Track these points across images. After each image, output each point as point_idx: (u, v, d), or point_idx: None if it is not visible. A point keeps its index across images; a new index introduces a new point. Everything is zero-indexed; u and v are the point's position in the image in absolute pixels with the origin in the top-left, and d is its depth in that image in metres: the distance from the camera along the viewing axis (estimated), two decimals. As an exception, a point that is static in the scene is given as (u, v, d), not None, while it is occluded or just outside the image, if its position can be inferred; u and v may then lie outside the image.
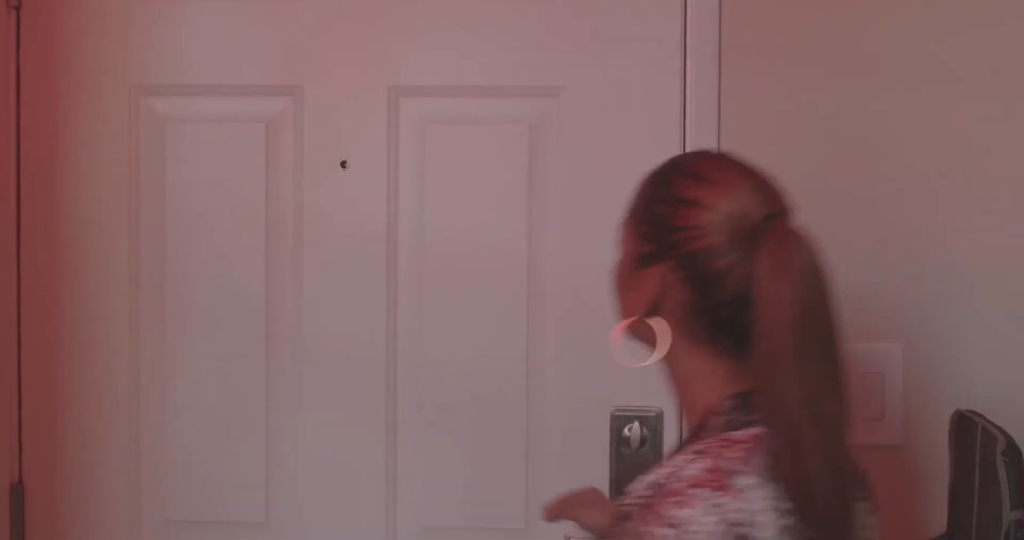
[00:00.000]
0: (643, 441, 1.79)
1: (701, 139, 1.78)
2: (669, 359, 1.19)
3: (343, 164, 1.82)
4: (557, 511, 1.49)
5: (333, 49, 1.81)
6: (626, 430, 1.79)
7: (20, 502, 1.83)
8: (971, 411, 1.72)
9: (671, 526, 1.04)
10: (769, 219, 1.12)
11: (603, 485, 1.81)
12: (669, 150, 1.79)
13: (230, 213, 1.83)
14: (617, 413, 1.80)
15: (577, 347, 1.81)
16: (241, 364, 1.83)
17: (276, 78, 1.82)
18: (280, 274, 1.82)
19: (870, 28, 1.78)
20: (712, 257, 1.11)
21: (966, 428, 1.68)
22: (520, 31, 1.81)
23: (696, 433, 1.15)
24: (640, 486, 1.12)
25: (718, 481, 1.05)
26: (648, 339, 1.19)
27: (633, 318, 1.19)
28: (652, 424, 1.80)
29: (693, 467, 1.08)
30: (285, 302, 1.82)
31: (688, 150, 1.78)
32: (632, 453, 1.79)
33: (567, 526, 1.52)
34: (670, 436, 1.80)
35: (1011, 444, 1.55)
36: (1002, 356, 1.77)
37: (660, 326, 1.17)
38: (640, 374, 1.79)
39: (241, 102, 1.83)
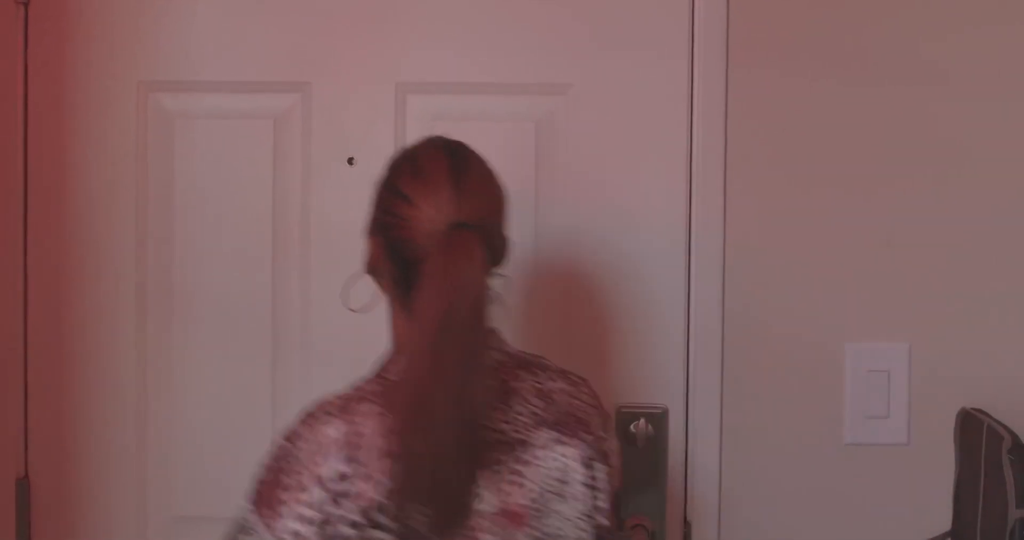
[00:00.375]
0: (649, 438, 1.79)
1: (708, 136, 1.78)
2: (390, 311, 1.37)
3: (350, 161, 1.82)
4: None
5: (341, 46, 1.82)
6: (632, 427, 1.80)
7: (26, 496, 1.84)
8: (977, 409, 1.72)
9: (288, 439, 1.27)
10: (455, 228, 1.26)
11: (608, 482, 1.81)
12: (676, 146, 1.80)
13: (238, 209, 1.83)
14: (623, 410, 1.80)
15: (582, 343, 1.81)
16: (248, 359, 1.83)
17: (284, 75, 1.83)
18: (287, 270, 1.83)
19: (877, 26, 1.78)
20: (406, 246, 1.29)
21: (972, 426, 1.68)
22: (527, 28, 1.81)
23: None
24: None
25: (343, 408, 1.26)
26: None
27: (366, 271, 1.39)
28: (658, 421, 1.80)
29: (337, 394, 1.29)
30: (292, 298, 1.83)
31: (695, 147, 1.79)
32: (638, 450, 1.80)
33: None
34: (676, 434, 1.81)
35: (1017, 443, 1.55)
36: (1008, 355, 1.78)
37: (376, 285, 1.38)
38: (646, 371, 1.81)
39: (249, 99, 1.83)
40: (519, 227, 1.80)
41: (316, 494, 1.22)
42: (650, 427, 1.79)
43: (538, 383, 1.34)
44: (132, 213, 1.83)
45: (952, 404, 1.76)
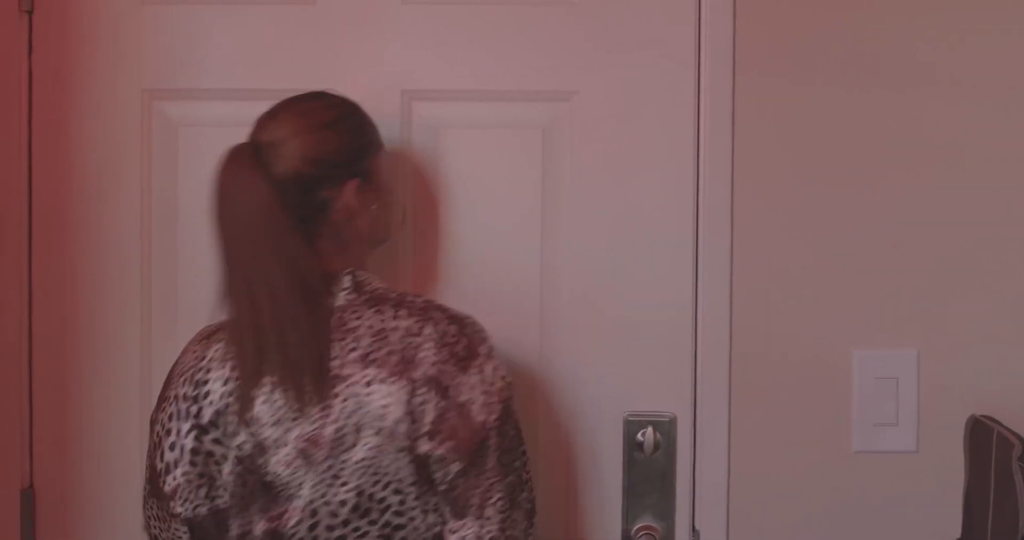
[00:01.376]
0: (657, 446, 1.79)
1: (715, 143, 1.78)
2: None
3: (356, 168, 1.81)
4: None
5: (347, 53, 1.82)
6: (639, 435, 1.79)
7: (31, 506, 1.83)
8: (986, 416, 1.71)
9: (179, 355, 1.57)
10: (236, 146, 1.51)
11: (616, 491, 1.81)
12: (683, 153, 1.80)
13: (242, 217, 1.83)
14: (631, 418, 1.80)
15: (590, 351, 1.80)
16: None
17: (289, 83, 1.81)
18: (292, 278, 1.82)
19: (884, 31, 1.78)
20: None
21: (981, 434, 1.68)
22: (533, 35, 1.81)
23: None
24: None
25: (207, 336, 1.53)
26: None
27: None
28: (666, 429, 1.79)
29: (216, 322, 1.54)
30: (298, 306, 1.82)
31: (702, 154, 1.79)
32: (646, 458, 1.79)
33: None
34: (684, 441, 1.80)
35: (1027, 450, 1.55)
36: (1018, 361, 1.77)
37: None
38: (654, 379, 1.80)
39: (253, 107, 1.79)
40: (526, 235, 1.81)
41: (174, 407, 1.49)
42: (658, 435, 1.79)
43: (380, 322, 1.45)
44: (136, 222, 1.83)
45: (961, 411, 1.76)
